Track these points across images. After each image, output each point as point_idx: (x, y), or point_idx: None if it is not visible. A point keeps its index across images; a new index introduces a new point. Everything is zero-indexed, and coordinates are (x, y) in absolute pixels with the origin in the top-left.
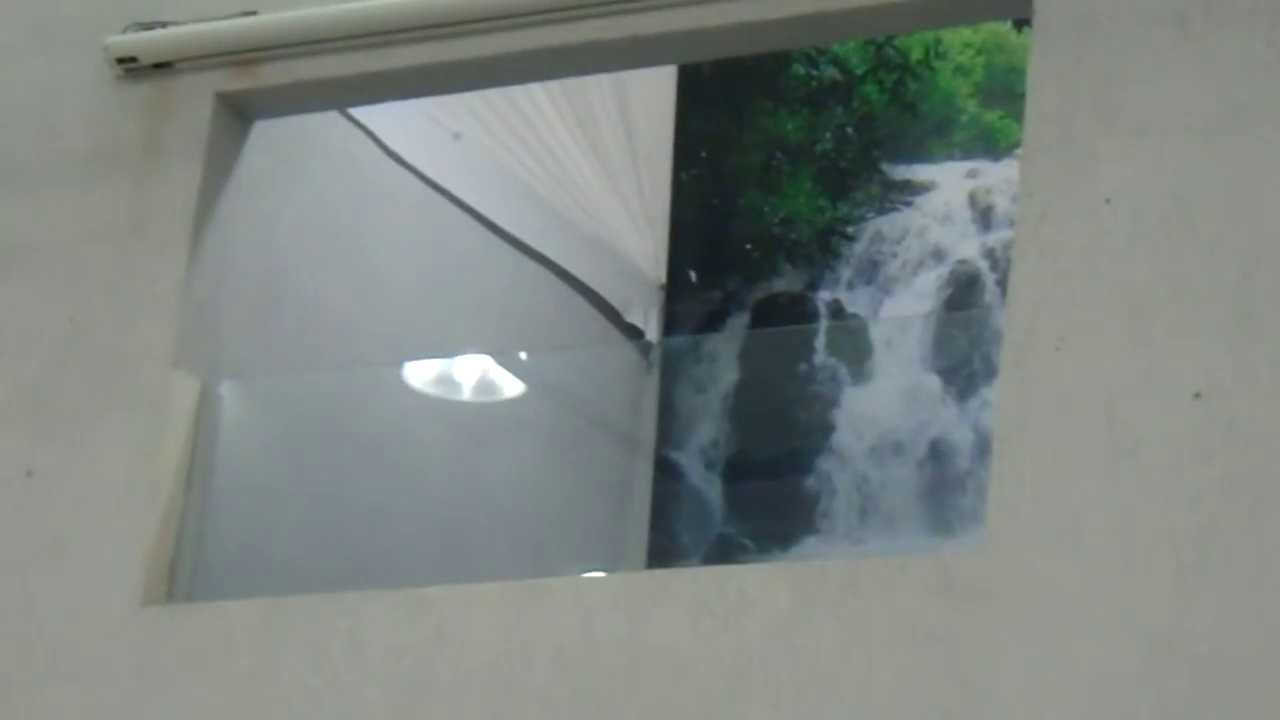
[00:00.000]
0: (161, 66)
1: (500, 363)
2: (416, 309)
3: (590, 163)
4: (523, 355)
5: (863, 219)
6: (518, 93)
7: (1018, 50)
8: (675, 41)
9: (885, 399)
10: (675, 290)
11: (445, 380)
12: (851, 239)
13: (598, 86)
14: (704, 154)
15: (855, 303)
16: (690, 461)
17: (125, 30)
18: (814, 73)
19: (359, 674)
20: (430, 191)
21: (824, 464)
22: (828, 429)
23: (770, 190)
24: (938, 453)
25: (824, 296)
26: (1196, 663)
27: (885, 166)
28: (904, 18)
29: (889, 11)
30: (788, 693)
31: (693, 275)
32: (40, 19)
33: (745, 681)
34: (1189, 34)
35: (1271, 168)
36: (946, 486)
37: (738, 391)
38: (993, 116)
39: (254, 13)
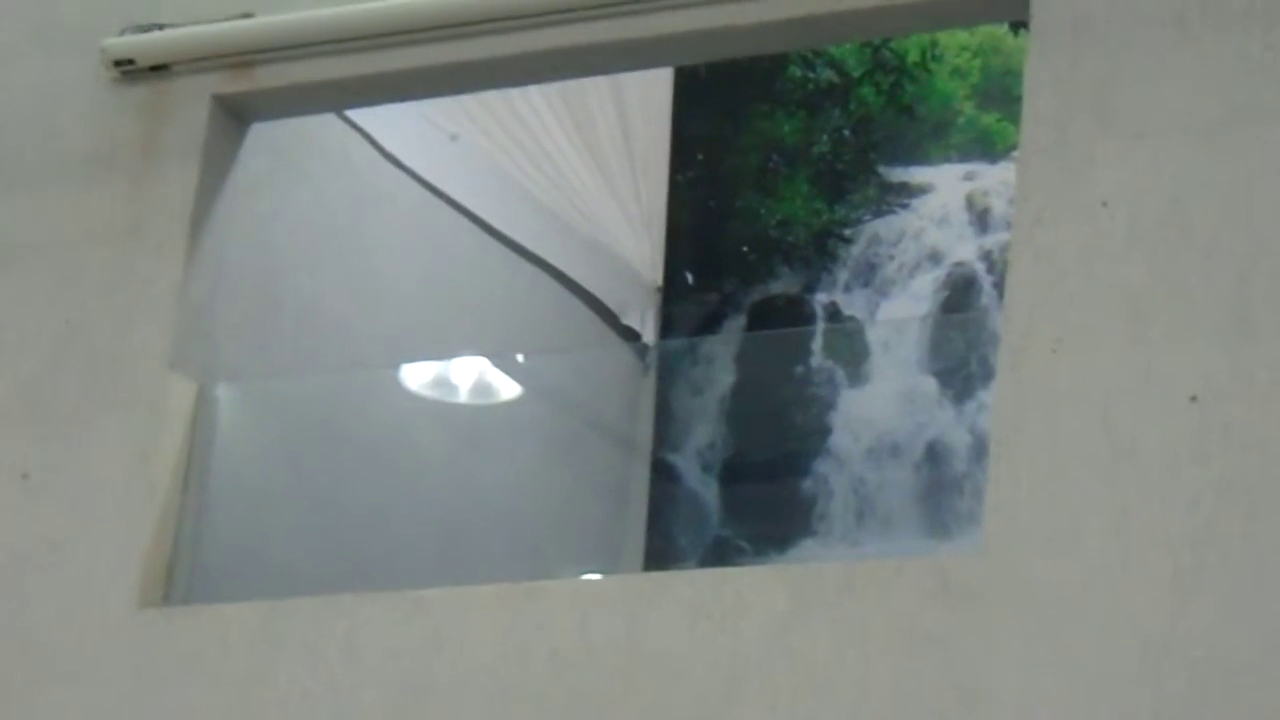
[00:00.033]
0: (158, 69)
1: (497, 365)
2: (414, 311)
3: (587, 165)
4: (520, 358)
5: (860, 221)
6: (514, 95)
7: (1014, 53)
8: (672, 44)
9: (882, 401)
10: (672, 293)
11: (442, 382)
12: (848, 241)
13: (594, 89)
14: (700, 156)
15: (852, 305)
16: (687, 464)
17: (122, 32)
18: (810, 75)
19: (356, 676)
20: (427, 194)
21: (821, 466)
22: (824, 431)
23: (767, 192)
24: (935, 455)
25: (821, 299)
26: (1193, 665)
27: (882, 169)
28: (900, 20)
29: (885, 14)
30: (784, 695)
31: (689, 278)
32: (37, 21)
33: (742, 684)
34: (1186, 36)
35: (1268, 170)
36: (943, 489)
37: (735, 394)
38: (990, 119)
39: (251, 15)
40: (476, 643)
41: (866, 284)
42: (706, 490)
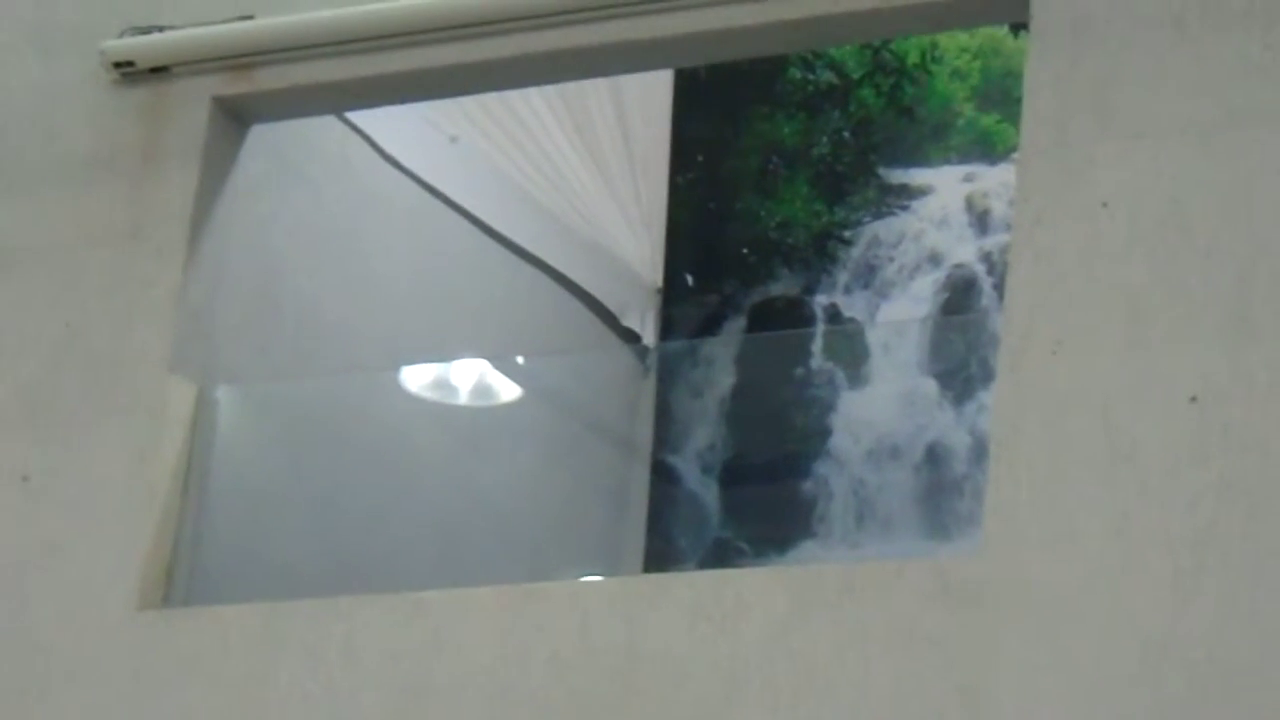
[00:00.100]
0: (158, 71)
1: (497, 367)
2: (413, 313)
3: (587, 167)
4: (520, 359)
5: (859, 223)
6: (514, 97)
7: (1014, 54)
8: (672, 46)
9: (882, 403)
10: (672, 294)
11: (442, 384)
12: (848, 243)
13: (594, 91)
14: (700, 158)
15: (852, 307)
16: (687, 466)
17: (122, 35)
18: (810, 77)
19: (356, 678)
20: (427, 196)
21: (821, 468)
22: (824, 433)
23: (767, 194)
24: (934, 457)
25: (821, 300)
26: (1193, 666)
27: (882, 170)
28: (900, 22)
29: (885, 16)
30: (785, 697)
31: (689, 279)
32: (37, 23)
33: (742, 685)
34: (1185, 37)
35: (1268, 170)
36: (943, 490)
37: (734, 395)
38: (989, 120)
39: (250, 17)
40: (476, 645)
41: (866, 286)
42: (706, 492)
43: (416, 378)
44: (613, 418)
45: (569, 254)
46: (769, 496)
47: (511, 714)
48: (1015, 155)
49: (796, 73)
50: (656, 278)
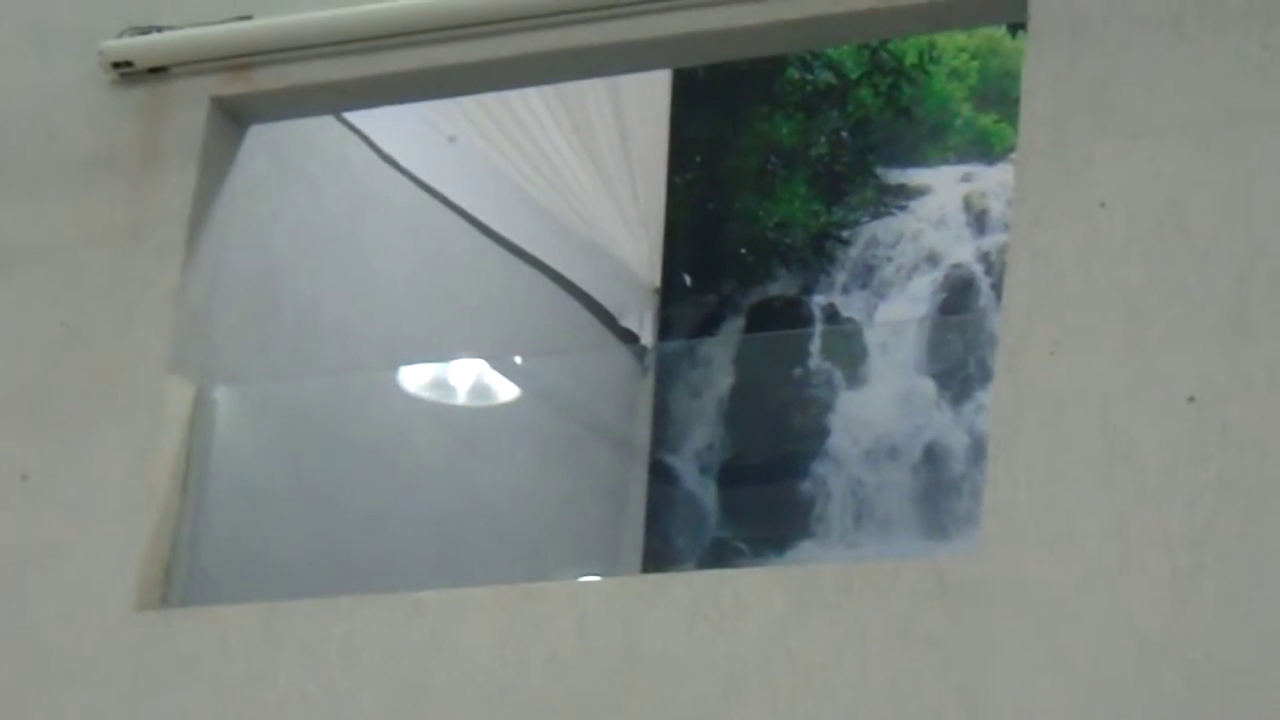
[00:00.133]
0: (157, 71)
1: (495, 367)
2: (412, 313)
3: (585, 167)
4: (518, 360)
5: (857, 223)
6: (512, 97)
7: (1012, 54)
8: (670, 46)
9: (880, 403)
10: (670, 294)
11: (440, 384)
12: (846, 243)
13: (593, 91)
14: (699, 158)
15: (850, 307)
16: (685, 466)
17: (121, 35)
18: (808, 77)
19: (354, 678)
20: (425, 196)
21: (819, 468)
22: (822, 433)
23: (765, 194)
24: (932, 457)
25: (819, 301)
26: (1191, 666)
27: (880, 170)
28: (898, 22)
29: (883, 16)
30: (783, 697)
31: (687, 279)
32: (36, 23)
33: (741, 685)
34: (1183, 37)
35: (1266, 170)
36: (941, 490)
37: (733, 396)
38: (987, 120)
39: (249, 17)
40: (475, 645)
41: (864, 286)
42: (705, 492)
43: (415, 378)
44: (611, 418)
45: (567, 254)
46: (767, 496)
47: (510, 714)
48: (1013, 155)
49: (795, 73)
50: (655, 278)
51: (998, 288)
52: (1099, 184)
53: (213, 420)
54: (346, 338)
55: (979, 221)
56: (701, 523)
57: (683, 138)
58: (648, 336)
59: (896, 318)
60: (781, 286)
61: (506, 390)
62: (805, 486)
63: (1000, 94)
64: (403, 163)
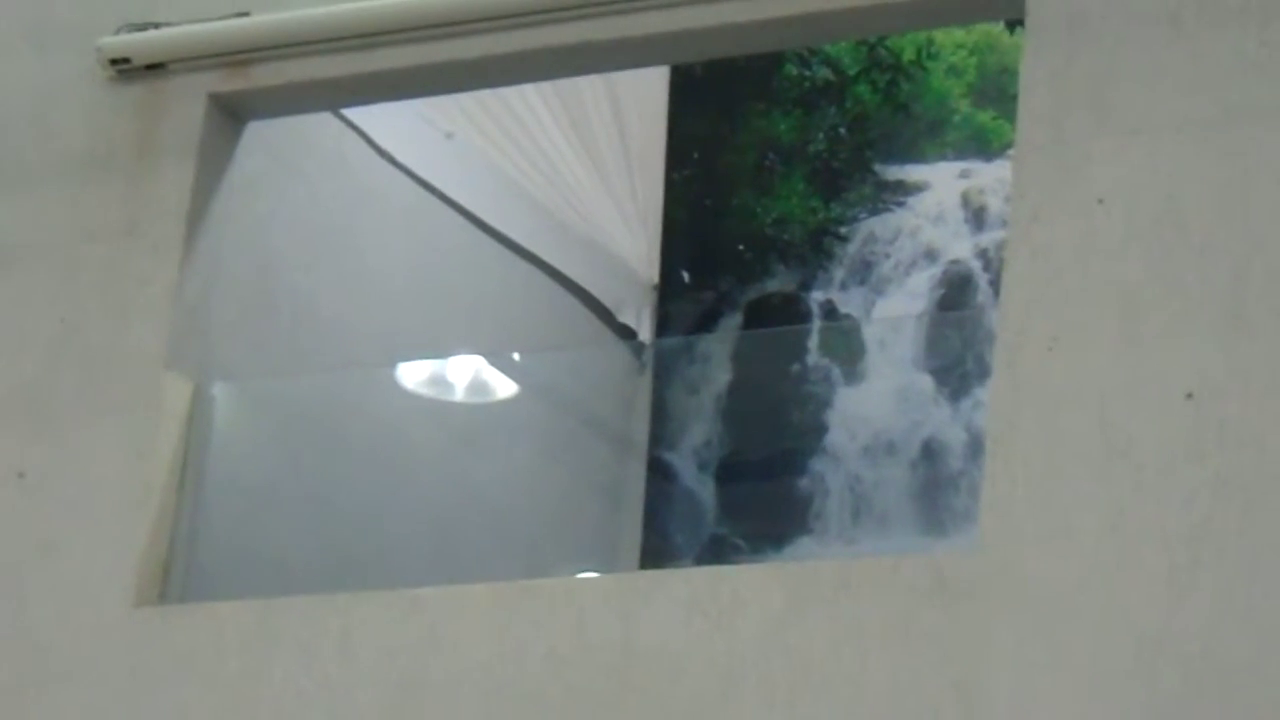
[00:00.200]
0: (154, 67)
1: (493, 363)
2: (409, 309)
3: (583, 163)
4: (516, 356)
5: (855, 219)
6: (510, 93)
7: (1010, 51)
8: (668, 42)
9: (878, 399)
10: (668, 291)
11: (438, 381)
12: (844, 239)
13: (590, 87)
14: (696, 154)
15: (848, 303)
16: (683, 462)
17: (118, 31)
18: (806, 73)
19: (352, 674)
20: (423, 192)
21: (817, 464)
22: (821, 429)
23: (763, 191)
24: (930, 453)
25: (817, 297)
26: (1188, 662)
27: (878, 167)
28: (896, 18)
29: (881, 12)
30: (781, 693)
31: (685, 276)
32: (33, 20)
33: (739, 682)
34: (1181, 33)
35: (1264, 167)
36: (939, 486)
37: (731, 392)
38: (985, 117)
39: (246, 14)
40: (472, 641)
41: (862, 282)
42: (703, 488)
43: (412, 374)
44: (609, 414)
45: (565, 250)
46: (765, 493)
47: (508, 710)
48: (1011, 151)
49: (792, 69)
50: (652, 274)
51: (996, 284)
52: (1097, 180)
53: (210, 417)
54: (344, 334)
55: (977, 218)
56: (699, 519)
57: (680, 134)
58: (646, 333)
59: (894, 314)
60: (779, 283)
61: (504, 386)
62: (803, 483)
63: (998, 90)
64: (400, 159)
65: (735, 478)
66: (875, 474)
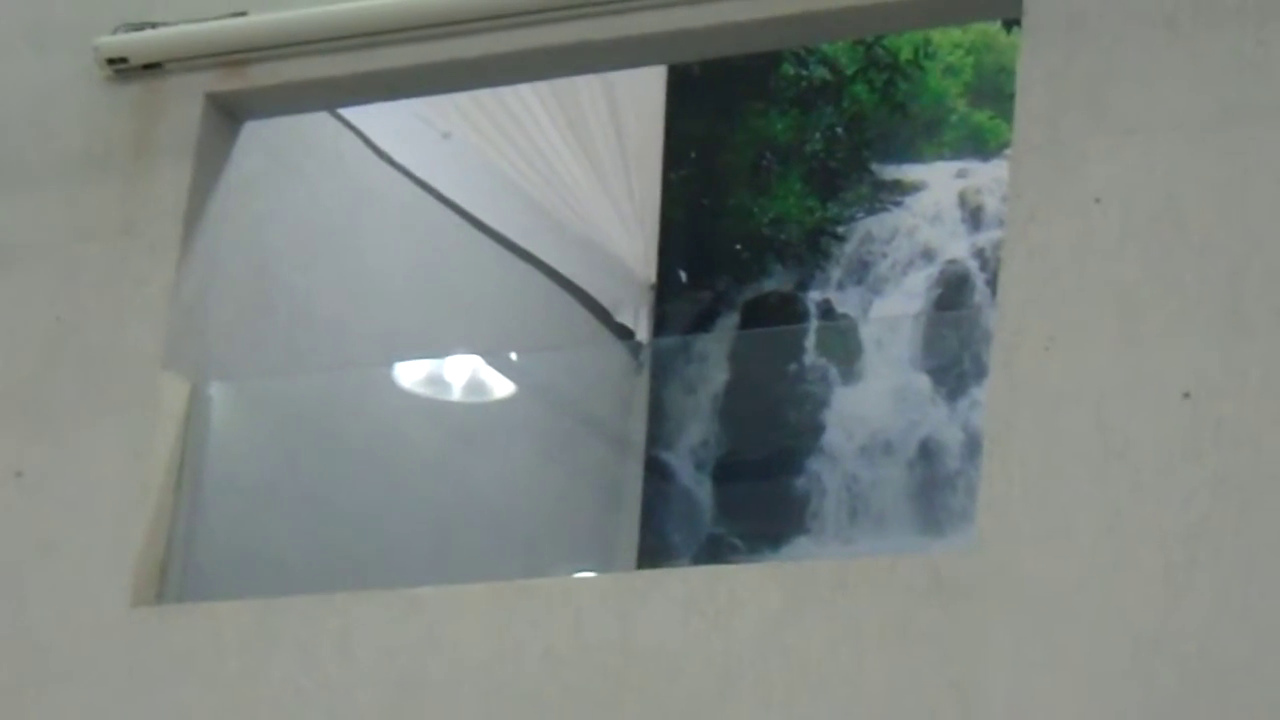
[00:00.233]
0: (151, 67)
1: (490, 363)
2: (407, 309)
3: (580, 163)
4: (513, 355)
5: (852, 219)
6: (507, 93)
7: (1007, 50)
8: (665, 42)
9: (875, 399)
10: (665, 290)
11: (435, 380)
12: (841, 239)
13: (587, 87)
14: (694, 154)
15: (845, 303)
16: (681, 462)
17: (115, 31)
18: (803, 73)
19: (350, 674)
20: (420, 191)
21: (814, 464)
22: (818, 429)
23: (760, 190)
24: (928, 452)
25: (814, 296)
26: (1185, 661)
27: (875, 166)
28: (893, 18)
29: (878, 11)
30: (778, 692)
31: (683, 275)
32: (30, 19)
33: (736, 681)
34: (1178, 34)
35: (1261, 167)
36: (936, 486)
37: (728, 392)
38: (982, 116)
39: (244, 13)
40: (470, 641)
41: (859, 281)
42: (700, 488)
43: (410, 374)
44: (606, 414)
45: (562, 250)
46: (762, 492)
47: (506, 710)
48: (1008, 151)
49: (790, 69)
50: (650, 274)
51: (993, 283)
52: (1094, 180)
53: (207, 416)
54: (341, 334)
55: (974, 217)
56: (697, 519)
57: (678, 134)
58: (643, 332)
59: (891, 313)
60: (776, 282)
61: (501, 386)
62: (800, 482)
63: (995, 90)
64: (397, 159)
65: (732, 477)
66: (872, 474)
